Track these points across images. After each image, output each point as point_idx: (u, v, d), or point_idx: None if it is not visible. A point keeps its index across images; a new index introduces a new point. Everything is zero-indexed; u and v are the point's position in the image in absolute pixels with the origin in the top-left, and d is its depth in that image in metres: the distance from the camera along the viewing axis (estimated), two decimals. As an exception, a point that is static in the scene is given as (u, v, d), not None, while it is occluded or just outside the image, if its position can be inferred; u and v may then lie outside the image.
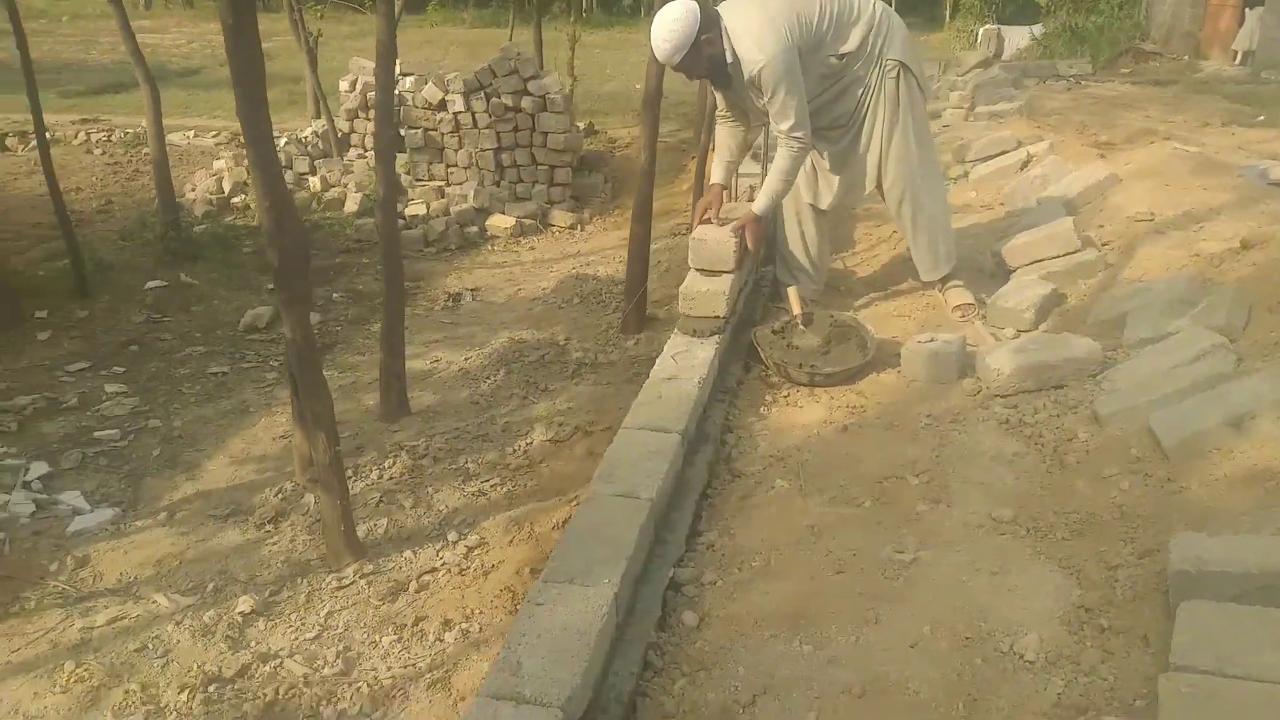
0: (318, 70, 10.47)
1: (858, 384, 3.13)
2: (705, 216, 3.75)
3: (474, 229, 8.45)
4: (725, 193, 3.91)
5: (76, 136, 11.48)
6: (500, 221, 8.52)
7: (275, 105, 8.67)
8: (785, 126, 3.50)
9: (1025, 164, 5.17)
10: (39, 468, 4.69)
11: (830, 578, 2.10)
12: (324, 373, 5.90)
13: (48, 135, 11.41)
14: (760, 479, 2.56)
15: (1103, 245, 3.85)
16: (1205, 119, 6.56)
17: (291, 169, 9.31)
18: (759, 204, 3.66)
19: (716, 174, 3.92)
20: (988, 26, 16.73)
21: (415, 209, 8.47)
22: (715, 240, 3.39)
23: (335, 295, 7.22)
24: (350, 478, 4.40)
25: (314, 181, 9.24)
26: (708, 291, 3.22)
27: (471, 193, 8.64)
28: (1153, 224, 3.86)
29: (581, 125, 10.82)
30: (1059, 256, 3.70)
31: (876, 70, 3.67)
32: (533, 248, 8.39)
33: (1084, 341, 2.94)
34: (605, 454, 2.37)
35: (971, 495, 2.39)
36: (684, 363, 2.90)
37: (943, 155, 6.20)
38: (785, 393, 3.15)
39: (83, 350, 6.09)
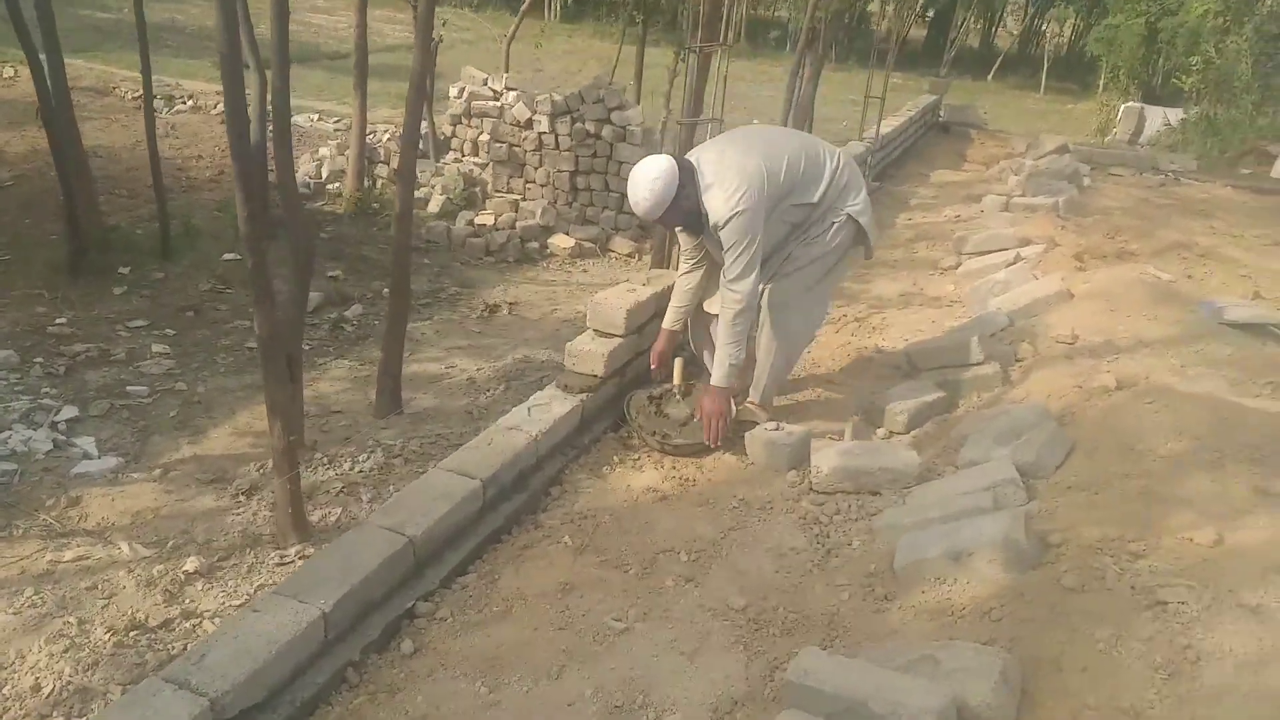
0: (433, 73, 11.05)
1: (701, 461, 3.34)
2: (657, 368, 3.83)
3: (534, 245, 8.88)
4: (676, 337, 3.96)
5: (215, 106, 12.45)
6: (561, 241, 8.93)
7: (398, 99, 8.92)
8: (731, 277, 3.51)
9: (1010, 265, 5.22)
10: (69, 411, 5.20)
11: (549, 632, 2.37)
12: (343, 361, 6.41)
13: (190, 103, 12.58)
14: (551, 533, 2.83)
15: (1017, 360, 3.94)
16: (1283, 240, 6.39)
17: (388, 164, 9.97)
18: (716, 375, 3.62)
19: (669, 319, 3.94)
20: (1130, 104, 16.16)
21: (484, 218, 8.97)
22: (610, 305, 3.64)
23: (385, 290, 7.71)
24: (325, 465, 4.84)
25: (405, 179, 9.86)
26: (590, 351, 3.48)
27: (540, 210, 9.08)
28: (1070, 348, 3.92)
29: (673, 156, 11.13)
30: (960, 366, 3.81)
31: (831, 217, 3.71)
32: (585, 270, 8.76)
33: (906, 454, 3.09)
34: (403, 489, 2.67)
35: (724, 580, 2.61)
36: (537, 415, 3.19)
37: (944, 242, 6.28)
38: (637, 457, 3.40)
39: (146, 309, 6.69)
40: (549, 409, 3.27)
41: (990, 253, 5.61)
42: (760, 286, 3.68)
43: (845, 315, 4.84)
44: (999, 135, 11.06)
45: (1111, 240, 6.00)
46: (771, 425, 3.37)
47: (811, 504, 3.02)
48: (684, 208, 3.53)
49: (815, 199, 3.65)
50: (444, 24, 12.46)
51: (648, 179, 3.48)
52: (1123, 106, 16.22)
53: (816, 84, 9.68)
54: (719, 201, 3.46)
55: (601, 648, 2.34)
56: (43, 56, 6.72)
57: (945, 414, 3.67)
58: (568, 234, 9.04)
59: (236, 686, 1.95)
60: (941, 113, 11.77)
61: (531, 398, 3.38)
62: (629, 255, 9.12)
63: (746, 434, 3.42)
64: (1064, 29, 28.11)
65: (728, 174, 3.48)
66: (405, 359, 6.31)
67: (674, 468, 3.31)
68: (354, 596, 2.28)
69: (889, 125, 9.26)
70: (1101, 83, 20.42)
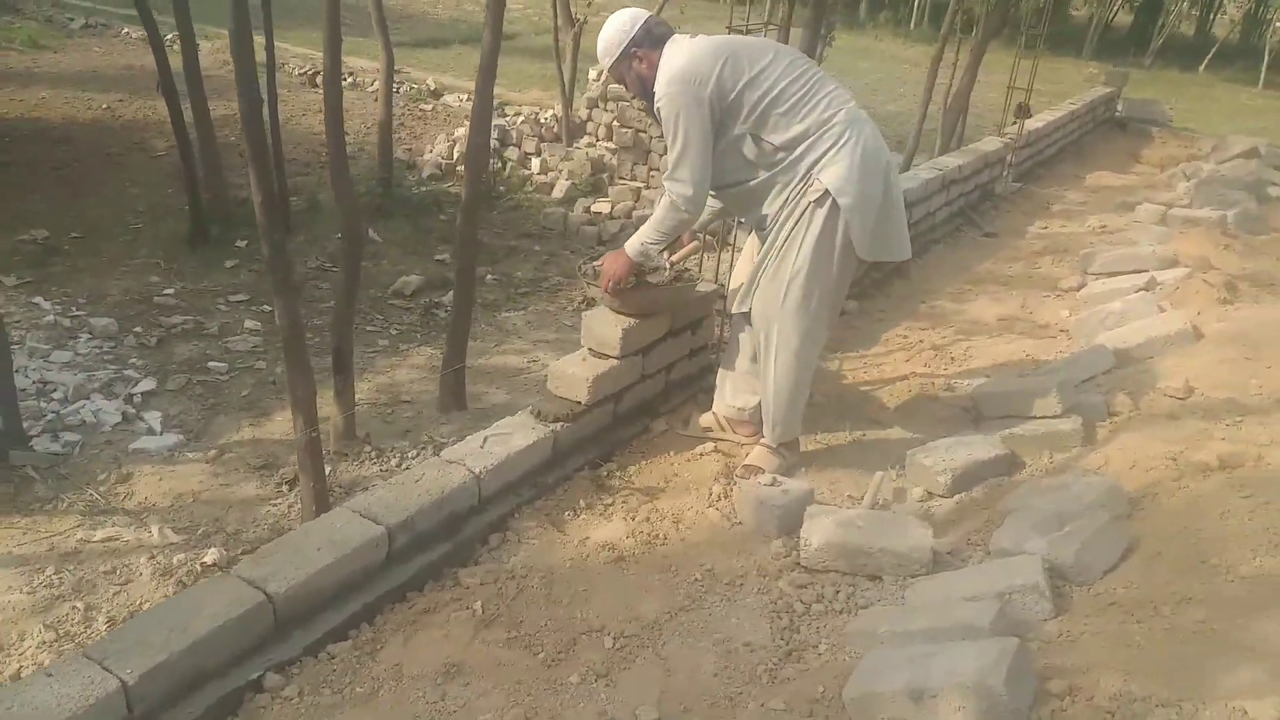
0: (576, 54, 10.81)
1: (681, 514, 2.84)
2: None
3: (650, 236, 8.52)
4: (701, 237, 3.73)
5: (372, 84, 12.70)
6: (678, 233, 8.53)
7: (552, 80, 8.66)
8: (667, 172, 3.20)
9: (1141, 290, 4.42)
10: (146, 384, 5.27)
11: (405, 730, 1.99)
12: (427, 349, 6.28)
13: (350, 79, 12.92)
14: (466, 595, 2.41)
15: (1110, 415, 3.25)
16: None
17: (519, 147, 9.84)
18: (630, 242, 3.36)
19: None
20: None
21: (601, 206, 8.68)
22: (606, 319, 3.23)
23: (489, 277, 7.56)
24: (373, 459, 4.71)
25: (535, 163, 9.70)
26: (573, 374, 3.06)
27: (657, 200, 8.71)
28: (1181, 404, 3.20)
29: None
30: (1035, 418, 3.17)
31: (799, 186, 3.16)
32: (699, 264, 8.33)
33: (917, 532, 2.52)
34: (295, 529, 2.36)
35: (646, 679, 2.14)
36: (491, 446, 2.80)
37: (1075, 257, 5.46)
38: (609, 502, 2.93)
39: (250, 284, 6.78)
40: (508, 440, 2.87)
41: (1121, 274, 4.80)
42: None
43: (923, 341, 4.19)
44: (1184, 134, 9.76)
45: (1282, 266, 5.05)
46: (768, 479, 2.88)
47: (791, 585, 2.49)
48: (635, 71, 3.27)
49: (781, 140, 3.13)
50: (589, 4, 12.22)
51: (608, 22, 3.31)
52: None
53: (975, 73, 8.82)
54: (663, 76, 3.15)
55: (445, 762, 1.96)
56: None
57: (1005, 476, 3.05)
58: (687, 225, 8.60)
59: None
60: (1119, 107, 10.54)
61: (494, 424, 3.02)
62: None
63: (739, 486, 2.94)
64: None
65: (679, 54, 3.15)
66: (490, 350, 6.15)
67: (648, 520, 2.83)
68: (175, 665, 1.97)
69: (1042, 120, 8.32)
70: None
